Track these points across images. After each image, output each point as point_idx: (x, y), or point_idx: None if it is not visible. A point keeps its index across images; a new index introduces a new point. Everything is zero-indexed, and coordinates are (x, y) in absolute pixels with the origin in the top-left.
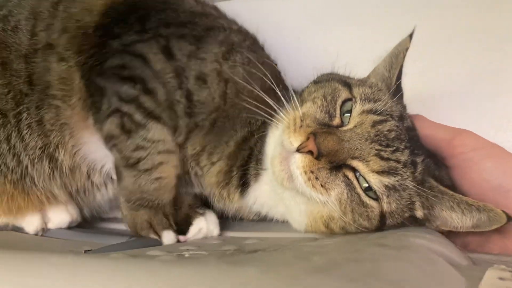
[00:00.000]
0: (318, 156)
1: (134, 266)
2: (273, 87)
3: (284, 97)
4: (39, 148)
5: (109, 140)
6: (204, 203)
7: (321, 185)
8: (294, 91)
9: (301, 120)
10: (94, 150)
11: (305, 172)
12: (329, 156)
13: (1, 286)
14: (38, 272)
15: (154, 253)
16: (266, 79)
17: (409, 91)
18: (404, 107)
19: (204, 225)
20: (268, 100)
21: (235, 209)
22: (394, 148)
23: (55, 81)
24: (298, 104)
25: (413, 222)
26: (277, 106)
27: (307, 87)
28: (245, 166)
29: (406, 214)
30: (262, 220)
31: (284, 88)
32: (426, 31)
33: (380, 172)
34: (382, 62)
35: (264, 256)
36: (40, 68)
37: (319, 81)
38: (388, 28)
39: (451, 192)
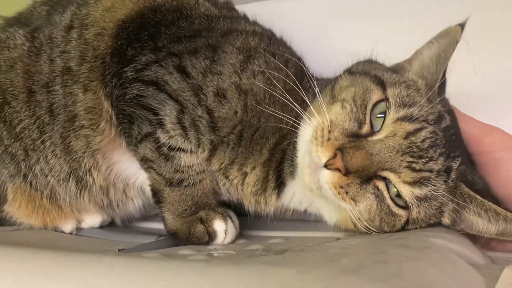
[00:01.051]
0: (346, 173)
1: (182, 268)
2: (298, 88)
3: (308, 96)
4: (64, 171)
5: (144, 162)
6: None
7: (351, 198)
8: (325, 83)
9: (329, 132)
10: (126, 167)
11: (335, 188)
12: (358, 172)
13: (64, 283)
14: (97, 272)
15: (185, 252)
16: (288, 80)
17: None
18: (444, 100)
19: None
20: (292, 104)
21: (272, 212)
22: (428, 158)
23: (82, 111)
24: (325, 109)
25: (437, 225)
26: (301, 109)
27: (340, 77)
28: (279, 167)
29: (432, 221)
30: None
31: (311, 79)
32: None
33: (412, 183)
34: (428, 50)
35: (294, 257)
36: (60, 97)
37: (353, 72)
38: (407, 25)
39: (480, 199)
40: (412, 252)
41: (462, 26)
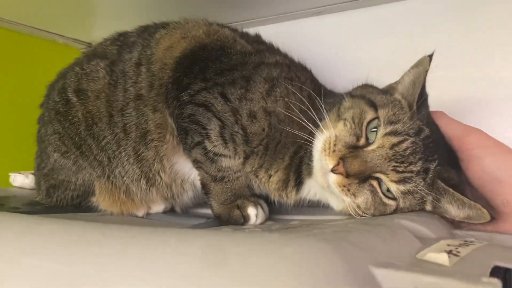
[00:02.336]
0: (347, 176)
1: (216, 232)
2: (310, 111)
3: (319, 116)
4: (136, 174)
5: (196, 163)
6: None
7: (352, 194)
8: (336, 100)
9: (334, 145)
10: (183, 167)
11: (339, 186)
12: (356, 175)
13: (142, 243)
14: (163, 235)
15: (225, 230)
16: (302, 103)
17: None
18: (424, 115)
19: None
20: (305, 124)
21: (292, 203)
22: (408, 163)
23: (152, 127)
24: (331, 125)
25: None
26: (313, 127)
27: (344, 99)
28: (299, 169)
29: (417, 208)
30: (311, 206)
31: (320, 102)
32: (455, 41)
33: (397, 181)
34: (407, 76)
35: (290, 230)
36: (133, 118)
37: (354, 95)
38: (419, 39)
39: (452, 191)
40: (367, 227)
41: (430, 57)
